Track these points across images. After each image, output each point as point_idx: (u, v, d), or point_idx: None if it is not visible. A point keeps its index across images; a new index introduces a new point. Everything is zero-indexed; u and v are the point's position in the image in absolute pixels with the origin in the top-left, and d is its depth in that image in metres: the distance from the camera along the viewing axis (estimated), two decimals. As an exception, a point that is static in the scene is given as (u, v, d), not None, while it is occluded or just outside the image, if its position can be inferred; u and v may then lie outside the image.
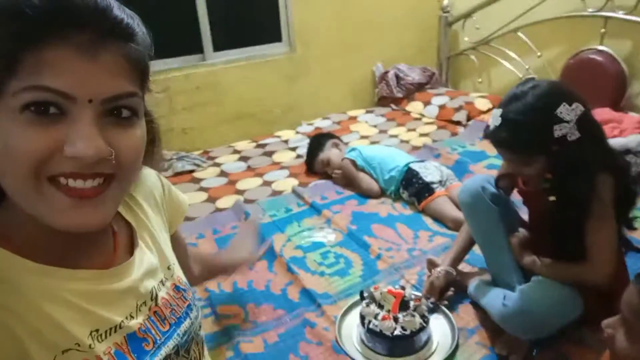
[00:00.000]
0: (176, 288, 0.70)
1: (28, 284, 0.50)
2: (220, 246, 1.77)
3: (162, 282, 0.68)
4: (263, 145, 2.76)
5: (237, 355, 1.23)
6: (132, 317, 0.60)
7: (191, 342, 0.69)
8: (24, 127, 0.44)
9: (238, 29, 2.91)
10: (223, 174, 2.44)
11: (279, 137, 2.87)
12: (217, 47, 2.81)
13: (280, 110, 3.01)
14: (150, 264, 0.66)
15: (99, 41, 0.45)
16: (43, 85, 0.43)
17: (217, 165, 2.54)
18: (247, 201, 2.12)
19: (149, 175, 0.75)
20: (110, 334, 0.56)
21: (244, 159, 2.61)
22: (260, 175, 2.39)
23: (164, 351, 0.62)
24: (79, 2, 0.45)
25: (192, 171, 2.45)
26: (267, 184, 2.30)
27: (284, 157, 2.60)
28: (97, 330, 0.54)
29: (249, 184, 2.31)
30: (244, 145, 2.78)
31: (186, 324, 0.68)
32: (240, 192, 2.23)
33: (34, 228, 0.51)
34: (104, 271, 0.58)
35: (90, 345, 0.53)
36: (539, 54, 2.69)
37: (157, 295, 0.65)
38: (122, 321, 0.58)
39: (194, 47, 2.75)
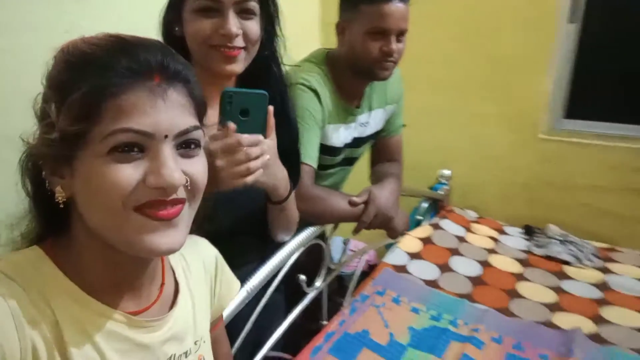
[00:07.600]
0: None
1: (60, 304, 0.52)
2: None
3: (185, 353, 0.65)
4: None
5: None
6: None
7: None
8: (112, 165, 0.49)
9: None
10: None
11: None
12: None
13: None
14: (181, 329, 0.65)
15: (167, 84, 0.52)
16: (127, 128, 0.49)
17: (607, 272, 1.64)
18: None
19: (205, 248, 0.76)
20: None
21: None
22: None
23: None
24: (149, 56, 0.51)
25: (566, 262, 1.70)
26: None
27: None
28: None
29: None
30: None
31: None
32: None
33: (94, 260, 0.55)
34: (135, 317, 0.58)
35: None
36: None
37: None
38: None
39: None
